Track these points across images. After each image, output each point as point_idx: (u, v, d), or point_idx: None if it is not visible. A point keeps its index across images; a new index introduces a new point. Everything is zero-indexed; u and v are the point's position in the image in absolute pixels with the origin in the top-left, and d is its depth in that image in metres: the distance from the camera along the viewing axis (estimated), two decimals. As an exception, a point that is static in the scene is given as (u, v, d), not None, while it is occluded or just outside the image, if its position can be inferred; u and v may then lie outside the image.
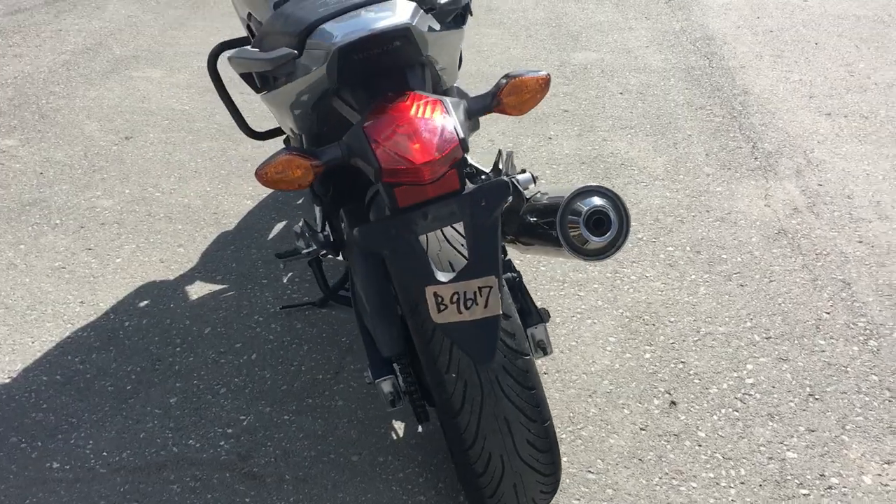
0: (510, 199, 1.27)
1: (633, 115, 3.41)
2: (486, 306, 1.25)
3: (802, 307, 2.27)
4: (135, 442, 1.92)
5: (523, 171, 1.59)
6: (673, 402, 1.97)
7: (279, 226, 2.75)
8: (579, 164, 3.04)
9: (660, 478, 1.79)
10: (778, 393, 1.99)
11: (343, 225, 1.85)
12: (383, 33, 1.28)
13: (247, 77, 1.59)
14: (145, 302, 2.39)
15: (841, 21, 4.36)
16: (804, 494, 1.73)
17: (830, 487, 1.75)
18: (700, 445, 1.86)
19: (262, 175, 1.27)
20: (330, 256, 1.98)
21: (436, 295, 1.24)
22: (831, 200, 2.76)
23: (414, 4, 1.38)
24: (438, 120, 1.22)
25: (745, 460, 1.82)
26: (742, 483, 1.77)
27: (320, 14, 1.37)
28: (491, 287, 1.25)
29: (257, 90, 1.64)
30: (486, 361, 1.28)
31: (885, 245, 2.52)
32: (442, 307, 1.24)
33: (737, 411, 1.95)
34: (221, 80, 2.44)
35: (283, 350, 2.20)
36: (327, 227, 2.02)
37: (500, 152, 1.82)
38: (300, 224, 1.88)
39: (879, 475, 1.77)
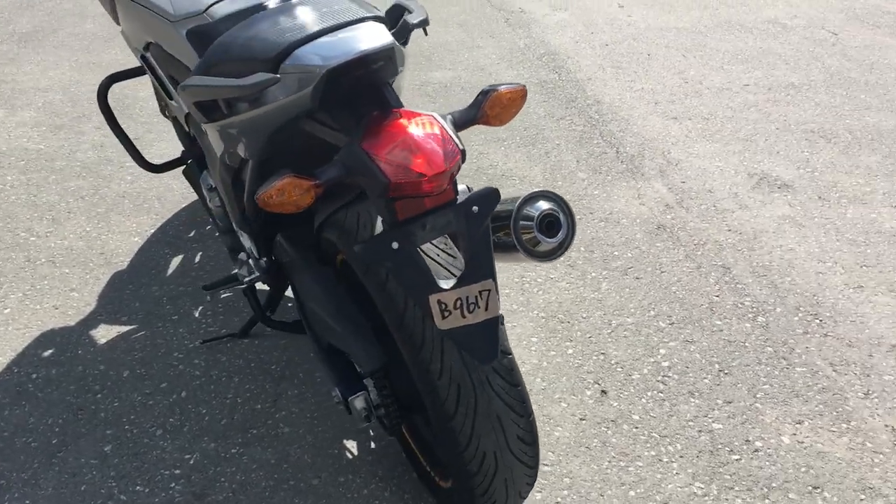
0: (497, 204, 1.35)
1: (502, 128, 3.57)
2: (486, 309, 1.31)
3: (694, 293, 2.48)
4: (76, 495, 1.82)
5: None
6: (603, 391, 2.10)
7: (176, 260, 2.67)
8: (462, 178, 3.15)
9: (608, 462, 1.91)
10: (692, 372, 2.17)
11: (285, 250, 1.85)
12: (373, 54, 1.32)
13: (199, 105, 1.58)
14: (49, 351, 2.26)
15: (665, 33, 4.75)
16: (736, 459, 1.91)
17: (757, 450, 1.93)
18: (637, 428, 2.00)
19: (264, 199, 1.27)
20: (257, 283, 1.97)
21: (440, 302, 1.29)
22: (696, 195, 3.02)
23: (382, 24, 1.43)
24: (437, 133, 1.27)
25: (678, 436, 1.97)
26: (681, 457, 1.92)
27: (290, 38, 1.39)
28: (490, 290, 1.31)
29: (207, 120, 1.63)
30: (491, 361, 1.34)
31: (749, 231, 2.79)
32: (446, 314, 1.30)
33: (661, 393, 2.11)
34: (113, 114, 2.36)
35: (214, 384, 2.15)
36: (256, 254, 2.01)
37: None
38: (242, 253, 1.87)
39: (795, 434, 1.97)
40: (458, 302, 1.30)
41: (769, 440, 1.96)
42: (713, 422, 2.01)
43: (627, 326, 2.33)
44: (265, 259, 1.92)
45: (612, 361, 2.21)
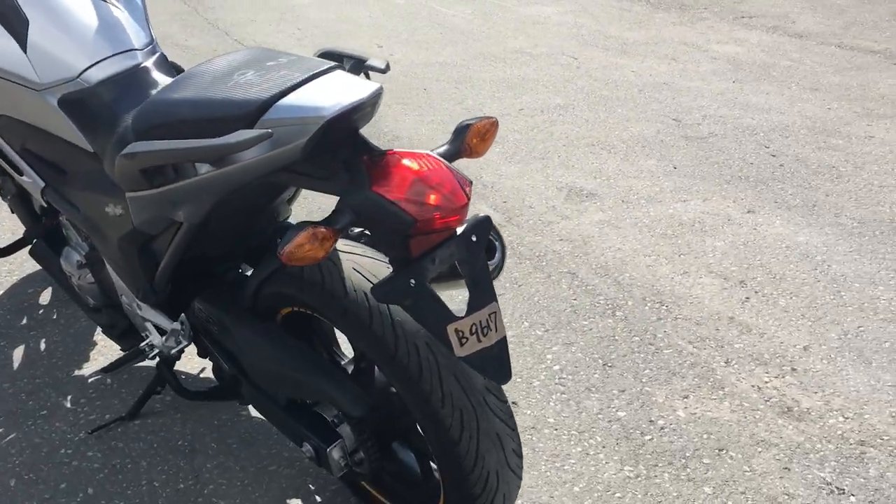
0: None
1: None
2: (496, 330, 1.38)
3: (555, 300, 2.68)
4: None
5: None
6: (514, 403, 2.22)
7: (17, 352, 2.41)
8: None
9: (544, 465, 2.02)
10: (582, 370, 2.35)
11: (209, 312, 1.78)
12: (368, 101, 1.34)
13: (147, 171, 1.51)
14: None
15: (430, 68, 5.02)
16: (649, 439, 2.10)
17: (662, 428, 2.14)
18: (556, 429, 2.14)
19: (288, 254, 1.24)
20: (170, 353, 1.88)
21: (457, 331, 1.33)
22: (520, 212, 3.25)
23: (349, 73, 1.45)
24: (444, 168, 1.32)
25: (594, 429, 2.14)
26: (604, 447, 2.08)
27: (266, 93, 1.36)
28: (496, 311, 1.38)
29: (147, 187, 1.54)
30: (507, 380, 1.40)
31: (578, 238, 3.06)
32: (463, 341, 1.34)
33: (564, 394, 2.26)
34: None
35: (121, 474, 1.98)
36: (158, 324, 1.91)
37: None
38: (175, 325, 1.77)
39: (686, 408, 2.21)
40: (473, 328, 1.35)
41: (668, 417, 2.18)
42: (617, 410, 2.20)
43: (511, 340, 2.47)
44: (179, 325, 1.82)
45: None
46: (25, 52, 1.80)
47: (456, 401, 1.45)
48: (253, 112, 1.35)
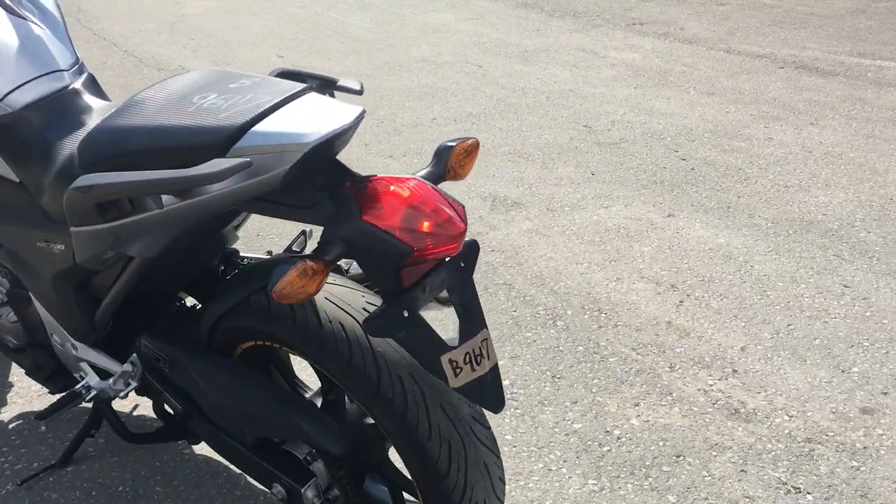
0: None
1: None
2: (488, 357, 1.33)
3: (495, 312, 2.66)
4: None
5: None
6: (469, 421, 2.18)
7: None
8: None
9: (509, 485, 1.99)
10: (532, 384, 2.34)
11: (159, 351, 1.67)
12: (351, 126, 1.26)
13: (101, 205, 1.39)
14: None
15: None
16: (608, 451, 2.10)
17: (619, 437, 2.15)
18: (515, 447, 2.11)
19: (281, 290, 1.15)
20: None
21: (451, 361, 1.28)
22: (448, 225, 3.21)
23: (323, 95, 1.37)
24: (437, 194, 1.25)
25: (552, 443, 2.12)
26: (565, 461, 2.06)
27: (237, 119, 1.27)
28: (487, 338, 1.33)
29: (98, 221, 1.41)
30: (502, 407, 1.35)
31: (510, 248, 3.05)
32: (458, 371, 1.28)
33: (518, 409, 2.24)
34: None
35: (61, 527, 1.84)
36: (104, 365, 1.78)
37: (303, 232, 1.83)
38: (126, 365, 1.65)
39: (639, 416, 2.23)
40: (467, 356, 1.30)
41: (623, 426, 2.19)
42: (572, 423, 2.19)
43: (457, 356, 2.43)
44: (130, 365, 1.70)
45: (462, 392, 2.29)
46: None
47: (444, 432, 1.40)
48: (223, 140, 1.26)
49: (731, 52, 5.57)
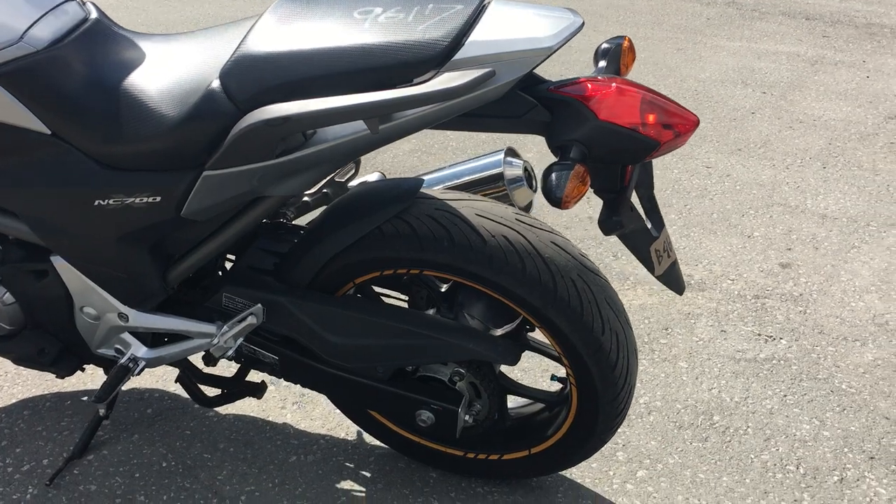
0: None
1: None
2: (672, 248, 1.41)
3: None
4: None
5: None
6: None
7: None
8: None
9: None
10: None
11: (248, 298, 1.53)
12: (580, 26, 1.23)
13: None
14: None
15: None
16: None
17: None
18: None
19: (566, 198, 1.14)
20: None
21: (655, 251, 1.33)
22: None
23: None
24: (652, 90, 1.26)
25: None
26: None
27: (447, 31, 1.19)
28: (667, 237, 1.41)
29: (269, 157, 1.26)
30: (684, 291, 1.44)
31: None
32: (660, 259, 1.35)
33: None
34: None
35: (131, 517, 1.64)
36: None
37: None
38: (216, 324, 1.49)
39: (614, 300, 2.40)
40: (665, 245, 1.37)
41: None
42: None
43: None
44: (250, 316, 1.52)
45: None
46: None
47: (612, 324, 1.46)
48: (441, 53, 1.20)
49: None
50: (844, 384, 2.08)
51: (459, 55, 1.21)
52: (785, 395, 2.04)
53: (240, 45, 1.30)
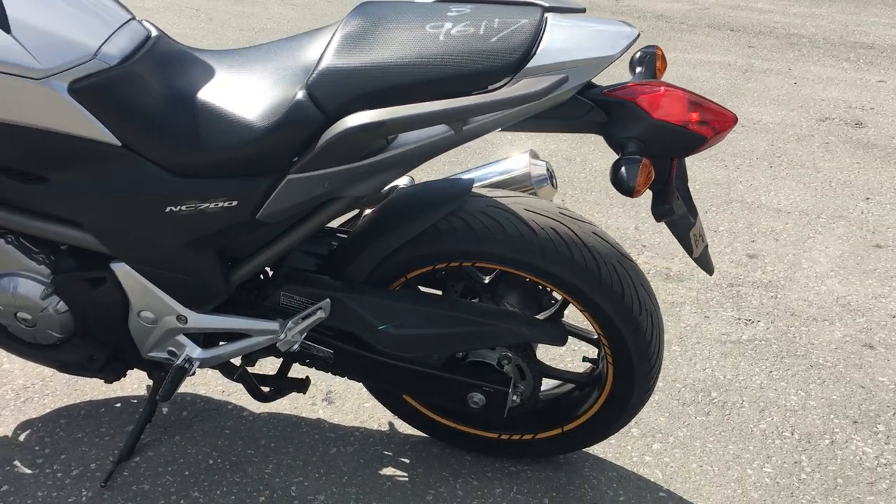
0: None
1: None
2: (705, 236, 1.57)
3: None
4: None
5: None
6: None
7: None
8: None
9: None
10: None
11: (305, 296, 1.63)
12: (637, 35, 1.36)
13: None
14: None
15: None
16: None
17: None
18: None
19: (639, 189, 1.28)
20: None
21: (693, 235, 1.48)
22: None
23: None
24: (690, 91, 1.41)
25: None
26: (579, 340, 2.34)
27: (519, 40, 1.32)
28: (701, 223, 1.57)
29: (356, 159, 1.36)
30: (713, 272, 1.59)
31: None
32: (697, 243, 1.50)
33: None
34: None
35: (192, 512, 1.70)
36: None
37: None
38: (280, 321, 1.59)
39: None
40: (699, 231, 1.52)
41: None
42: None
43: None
44: (316, 311, 1.60)
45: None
46: (10, 32, 1.39)
47: (647, 305, 1.60)
48: (515, 61, 1.33)
49: None
50: (821, 359, 2.28)
51: (532, 63, 1.33)
52: (771, 371, 2.23)
53: (321, 59, 1.40)
